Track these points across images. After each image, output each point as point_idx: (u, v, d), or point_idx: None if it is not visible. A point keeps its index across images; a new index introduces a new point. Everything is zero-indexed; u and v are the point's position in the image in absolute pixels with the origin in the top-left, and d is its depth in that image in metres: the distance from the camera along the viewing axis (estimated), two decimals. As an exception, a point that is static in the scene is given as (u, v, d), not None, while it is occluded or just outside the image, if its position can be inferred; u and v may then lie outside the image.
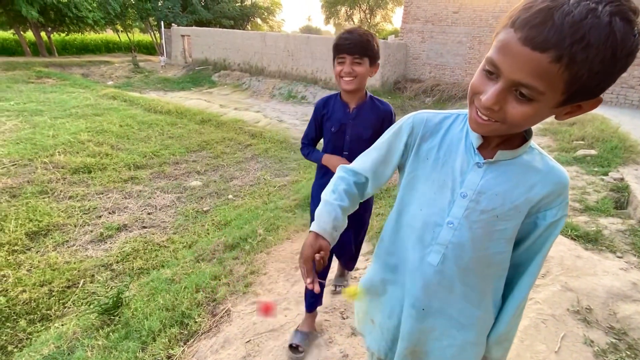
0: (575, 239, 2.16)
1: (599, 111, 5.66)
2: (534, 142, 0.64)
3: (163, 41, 18.17)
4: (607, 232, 2.23)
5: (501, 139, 0.62)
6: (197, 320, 1.86)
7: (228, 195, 5.01)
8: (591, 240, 2.14)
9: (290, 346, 1.47)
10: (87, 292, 2.83)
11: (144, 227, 3.93)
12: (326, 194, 0.75)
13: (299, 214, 4.02)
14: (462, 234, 0.64)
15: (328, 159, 1.39)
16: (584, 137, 4.18)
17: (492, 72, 0.51)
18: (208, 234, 3.83)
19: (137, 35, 24.66)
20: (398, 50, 12.64)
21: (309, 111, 9.89)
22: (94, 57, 18.67)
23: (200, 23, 20.73)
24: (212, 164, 6.13)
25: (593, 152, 3.73)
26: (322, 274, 1.46)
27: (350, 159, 1.28)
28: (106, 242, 3.57)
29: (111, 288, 2.82)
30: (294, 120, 9.67)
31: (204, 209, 4.54)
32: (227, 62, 15.33)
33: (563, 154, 3.80)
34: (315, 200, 1.57)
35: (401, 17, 13.25)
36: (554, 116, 0.55)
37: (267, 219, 3.81)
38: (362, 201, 0.82)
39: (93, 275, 3.04)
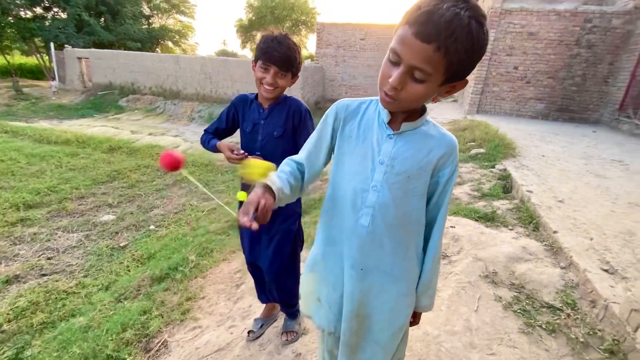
0: (477, 220, 2.55)
1: (482, 118, 6.84)
2: (429, 117, 0.80)
3: (54, 64, 15.98)
4: (500, 212, 2.70)
5: (404, 114, 0.76)
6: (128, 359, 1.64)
7: (149, 227, 4.56)
8: (489, 219, 2.56)
9: (248, 332, 1.68)
10: (-34, 365, 2.24)
11: (44, 275, 3.31)
12: (274, 173, 0.79)
13: (234, 234, 3.87)
14: (384, 195, 0.76)
15: (220, 145, 1.33)
16: (474, 139, 5.00)
17: (394, 61, 0.65)
18: (129, 270, 3.41)
19: (18, 58, 21.21)
20: (315, 72, 13.40)
21: (232, 133, 9.60)
22: (-43, 83, 15.39)
23: (101, 45, 18.85)
24: (127, 195, 5.52)
25: (482, 150, 4.48)
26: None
27: (264, 159, 1.26)
28: (-9, 300, 2.89)
29: (4, 352, 2.28)
30: (218, 142, 9.34)
31: (121, 244, 4.04)
32: (137, 86, 14.17)
33: (461, 153, 4.48)
34: None
35: (315, 43, 14.13)
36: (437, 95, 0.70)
37: (198, 244, 3.58)
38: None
39: (-26, 343, 2.42)
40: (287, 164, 0.86)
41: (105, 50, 15.47)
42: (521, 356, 1.36)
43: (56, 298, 2.87)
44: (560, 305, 1.64)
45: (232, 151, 1.28)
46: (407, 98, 0.67)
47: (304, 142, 1.35)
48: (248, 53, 32.60)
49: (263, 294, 1.63)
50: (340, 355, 0.86)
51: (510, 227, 2.45)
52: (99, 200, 5.18)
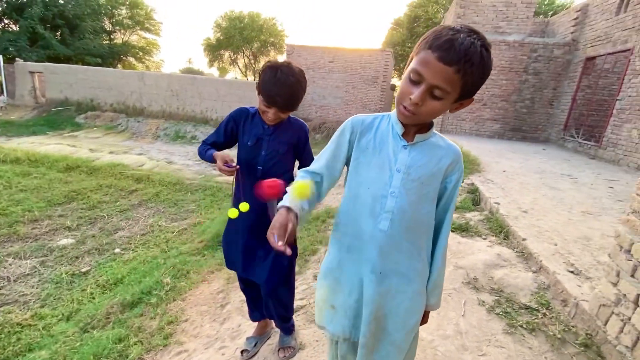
0: (453, 230, 2.70)
1: (446, 137, 7.30)
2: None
3: (3, 78, 14.82)
4: (473, 222, 2.87)
5: (416, 127, 0.84)
6: (105, 393, 1.49)
7: (114, 250, 4.26)
8: (464, 229, 2.72)
9: (241, 352, 1.62)
10: None
11: (-8, 307, 2.96)
12: (290, 187, 0.82)
13: (210, 254, 3.73)
14: (402, 200, 0.82)
15: (216, 154, 1.30)
16: (441, 156, 5.32)
17: (416, 80, 0.73)
18: (93, 298, 3.15)
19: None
20: (285, 91, 13.56)
21: (202, 151, 9.30)
22: None
23: (57, 59, 17.83)
24: (88, 217, 5.15)
25: (449, 166, 4.78)
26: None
27: (264, 174, 1.32)
28: None
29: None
30: (186, 160, 9.06)
31: (83, 270, 3.73)
32: (96, 102, 13.48)
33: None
34: (229, 227, 1.48)
35: (284, 63, 14.39)
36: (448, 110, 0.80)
37: (171, 266, 3.40)
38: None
39: None
40: (303, 176, 0.89)
41: (62, 65, 14.63)
42: (509, 355, 1.44)
43: (9, 332, 2.56)
44: (536, 305, 1.76)
45: (224, 162, 1.28)
46: (425, 112, 0.75)
47: (308, 157, 1.41)
48: (215, 72, 32.44)
49: (256, 311, 1.59)
50: (359, 357, 0.88)
51: (483, 237, 2.61)
52: (55, 223, 4.78)
